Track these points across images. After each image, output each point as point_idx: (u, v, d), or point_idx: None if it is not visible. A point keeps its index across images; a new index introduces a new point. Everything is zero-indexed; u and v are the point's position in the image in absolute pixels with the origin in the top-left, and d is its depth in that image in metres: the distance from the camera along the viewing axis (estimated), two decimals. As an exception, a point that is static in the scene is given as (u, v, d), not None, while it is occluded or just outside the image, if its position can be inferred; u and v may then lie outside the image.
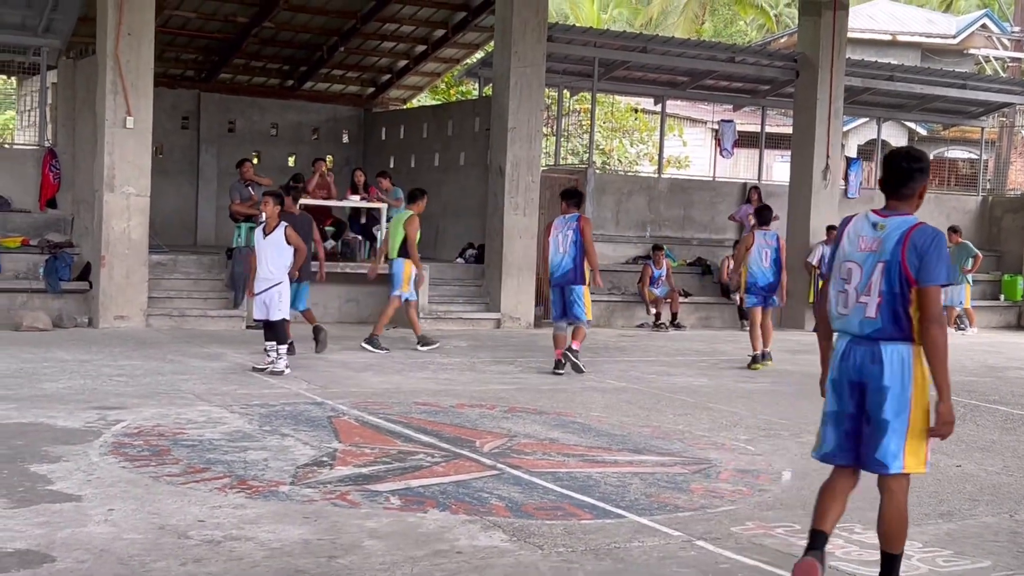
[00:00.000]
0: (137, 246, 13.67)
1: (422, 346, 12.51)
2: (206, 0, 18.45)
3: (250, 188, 15.15)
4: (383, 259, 12.93)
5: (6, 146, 17.27)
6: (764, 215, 12.63)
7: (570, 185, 13.24)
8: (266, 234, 10.16)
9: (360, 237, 15.50)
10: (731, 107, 22.19)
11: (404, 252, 12.38)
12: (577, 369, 10.90)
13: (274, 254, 10.13)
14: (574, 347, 10.95)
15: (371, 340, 12.21)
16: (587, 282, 10.89)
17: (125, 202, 13.57)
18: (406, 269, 12.43)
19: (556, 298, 11.00)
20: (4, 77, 25.46)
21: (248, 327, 13.88)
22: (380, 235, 15.34)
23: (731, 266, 18.10)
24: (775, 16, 36.92)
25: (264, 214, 10.32)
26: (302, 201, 14.87)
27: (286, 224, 10.28)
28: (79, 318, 13.58)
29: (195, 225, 19.87)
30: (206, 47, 20.28)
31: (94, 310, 13.67)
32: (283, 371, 10.02)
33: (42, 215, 14.81)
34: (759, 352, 12.23)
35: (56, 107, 15.25)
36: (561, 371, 10.91)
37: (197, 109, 20.15)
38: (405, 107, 22.65)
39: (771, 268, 12.23)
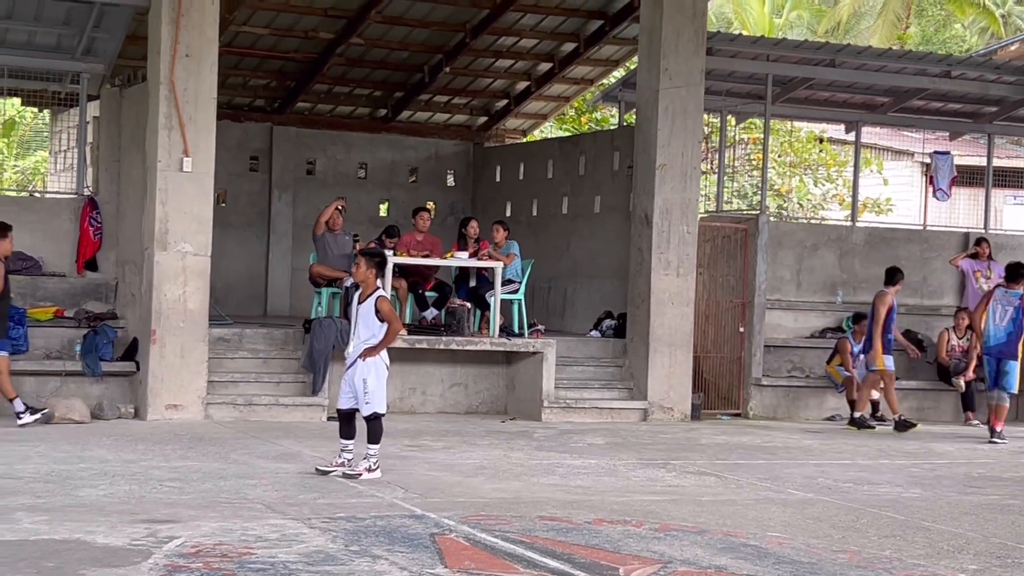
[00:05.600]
0: (195, 317, 14.01)
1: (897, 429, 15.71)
2: (281, 12, 18.96)
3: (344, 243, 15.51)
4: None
5: (36, 195, 17.96)
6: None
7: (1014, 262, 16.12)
8: (361, 300, 10.36)
9: (469, 304, 15.63)
10: (946, 135, 21.84)
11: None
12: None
13: (363, 327, 10.31)
14: (996, 428, 14.88)
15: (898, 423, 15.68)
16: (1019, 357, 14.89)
17: (180, 263, 13.95)
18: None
19: (991, 368, 14.99)
20: (35, 110, 26.60)
21: (330, 418, 14.05)
22: (494, 301, 15.46)
23: (951, 340, 17.75)
24: (1002, 17, 36.40)
25: (354, 277, 10.55)
26: (396, 260, 15.13)
27: (381, 294, 10.44)
28: (123, 407, 13.94)
29: (265, 291, 20.32)
30: (280, 70, 20.83)
31: (141, 397, 14.03)
32: (360, 475, 10.17)
33: (79, 280, 15.30)
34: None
35: (98, 146, 15.72)
36: (1001, 440, 14.75)
37: (269, 146, 20.70)
38: (525, 140, 22.88)
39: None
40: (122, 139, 15.46)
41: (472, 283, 16.08)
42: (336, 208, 15.73)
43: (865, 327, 16.49)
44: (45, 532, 7.68)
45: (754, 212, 18.56)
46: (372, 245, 15.17)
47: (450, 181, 22.06)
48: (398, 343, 12.58)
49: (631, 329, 16.29)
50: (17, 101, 22.03)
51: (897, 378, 16.97)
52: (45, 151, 25.40)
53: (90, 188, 15.70)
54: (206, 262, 14.11)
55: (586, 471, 11.26)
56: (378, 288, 10.46)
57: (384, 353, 10.37)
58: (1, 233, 13.15)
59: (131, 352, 14.40)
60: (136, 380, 14.26)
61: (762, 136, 19.89)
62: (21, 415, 12.87)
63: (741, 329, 17.17)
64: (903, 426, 15.74)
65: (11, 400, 12.96)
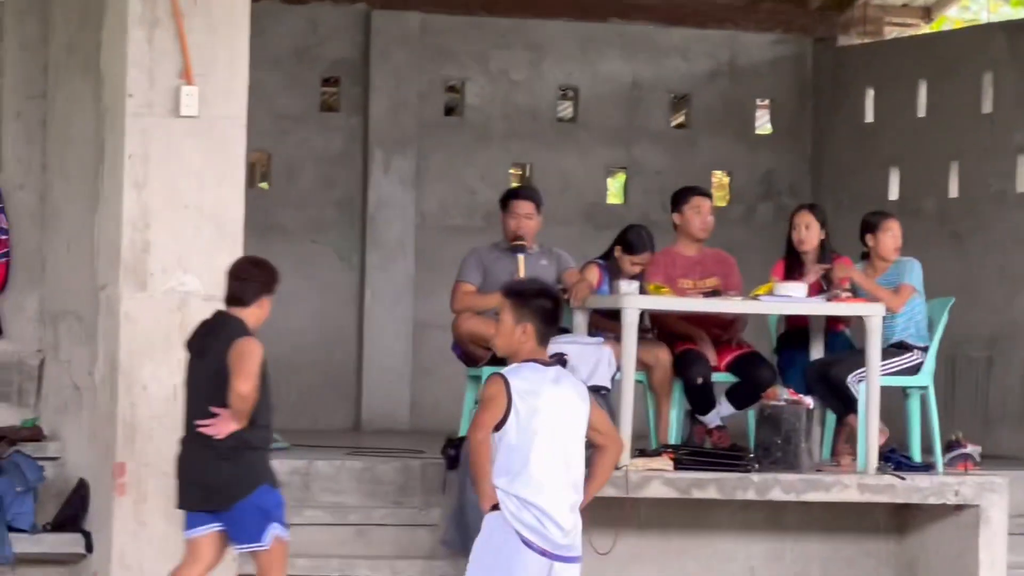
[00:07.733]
0: (206, 435, 14.13)
1: None
2: None
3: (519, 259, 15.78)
4: None
5: None
6: None
7: None
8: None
9: (810, 400, 15.47)
10: None
11: None
12: None
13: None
14: None
15: None
16: None
17: (177, 315, 14.09)
18: None
19: None
20: None
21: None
22: (865, 391, 15.34)
23: None
24: None
25: (495, 347, 11.28)
26: (644, 303, 15.11)
27: (499, 371, 10.97)
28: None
29: (357, 373, 20.71)
30: None
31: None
32: None
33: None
34: None
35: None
36: None
37: (363, 56, 21.04)
38: (928, 29, 22.81)
39: None
40: (50, 53, 15.74)
41: (816, 352, 16.05)
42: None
43: None
44: None
45: None
46: (589, 271, 15.23)
47: (762, 124, 22.11)
48: (648, 485, 12.60)
49: None
50: None
51: None
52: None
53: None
54: (232, 313, 14.24)
55: None
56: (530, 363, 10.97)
57: (516, 510, 10.67)
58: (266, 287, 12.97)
59: (74, 509, 14.59)
60: (86, 570, 14.45)
61: None
62: None
63: None
64: None
65: None
